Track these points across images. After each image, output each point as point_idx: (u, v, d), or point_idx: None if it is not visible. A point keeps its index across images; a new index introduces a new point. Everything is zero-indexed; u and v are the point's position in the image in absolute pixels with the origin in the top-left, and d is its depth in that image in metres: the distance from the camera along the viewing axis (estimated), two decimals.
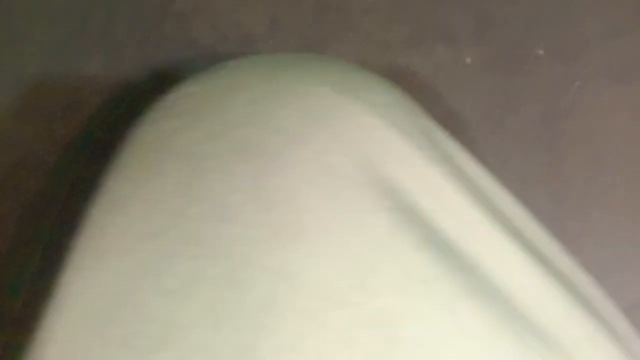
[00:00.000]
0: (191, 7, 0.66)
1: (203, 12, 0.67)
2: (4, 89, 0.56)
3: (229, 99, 0.24)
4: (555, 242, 0.26)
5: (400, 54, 0.62)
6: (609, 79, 0.60)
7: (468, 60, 0.61)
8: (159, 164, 0.23)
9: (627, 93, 0.59)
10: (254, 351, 0.22)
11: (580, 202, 0.54)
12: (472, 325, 0.21)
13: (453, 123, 0.59)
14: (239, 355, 0.22)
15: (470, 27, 0.64)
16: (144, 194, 0.23)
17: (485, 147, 0.58)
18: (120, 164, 0.24)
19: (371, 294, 0.21)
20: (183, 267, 0.22)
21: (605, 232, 0.53)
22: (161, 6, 0.65)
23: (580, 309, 0.22)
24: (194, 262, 0.22)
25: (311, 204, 0.22)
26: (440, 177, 0.23)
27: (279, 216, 0.21)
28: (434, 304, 0.21)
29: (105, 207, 0.23)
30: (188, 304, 0.22)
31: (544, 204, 0.54)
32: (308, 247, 0.21)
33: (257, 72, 0.25)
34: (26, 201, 0.45)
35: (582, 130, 0.57)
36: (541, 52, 0.61)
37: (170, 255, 0.22)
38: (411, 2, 0.65)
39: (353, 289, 0.21)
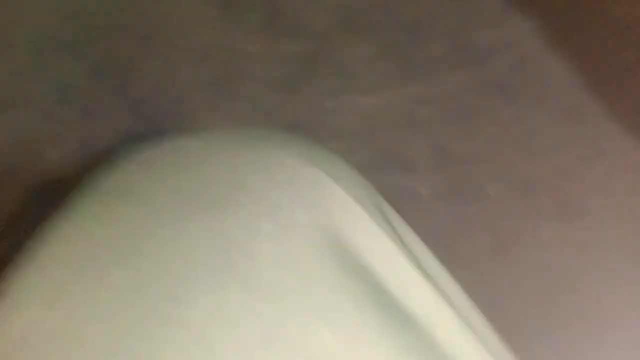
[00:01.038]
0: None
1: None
2: None
3: (199, 160, 0.26)
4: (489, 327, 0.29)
5: None
6: (554, 219, 0.63)
7: (422, 191, 0.63)
8: (115, 208, 0.24)
9: (573, 229, 0.61)
10: None
11: (536, 328, 0.55)
12: None
13: None
14: None
15: (429, 159, 0.67)
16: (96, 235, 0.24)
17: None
18: (71, 204, 0.25)
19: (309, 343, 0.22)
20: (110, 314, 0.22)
21: None
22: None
23: None
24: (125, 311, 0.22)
25: (266, 256, 0.23)
26: (391, 244, 0.25)
27: (232, 267, 0.23)
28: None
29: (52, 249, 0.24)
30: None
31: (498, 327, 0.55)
32: (252, 295, 0.22)
33: (231, 138, 0.27)
34: None
35: (533, 263, 0.59)
36: (490, 190, 0.64)
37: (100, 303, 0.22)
38: (376, 130, 0.67)
39: (291, 339, 0.22)
